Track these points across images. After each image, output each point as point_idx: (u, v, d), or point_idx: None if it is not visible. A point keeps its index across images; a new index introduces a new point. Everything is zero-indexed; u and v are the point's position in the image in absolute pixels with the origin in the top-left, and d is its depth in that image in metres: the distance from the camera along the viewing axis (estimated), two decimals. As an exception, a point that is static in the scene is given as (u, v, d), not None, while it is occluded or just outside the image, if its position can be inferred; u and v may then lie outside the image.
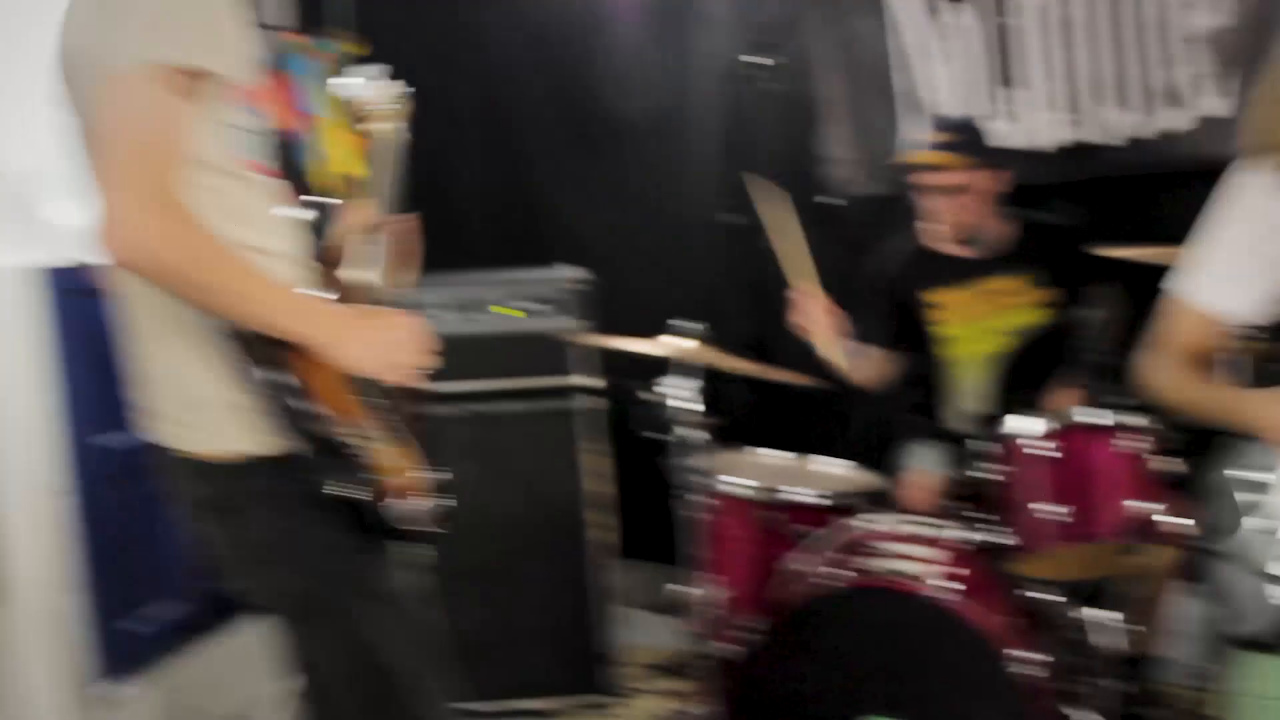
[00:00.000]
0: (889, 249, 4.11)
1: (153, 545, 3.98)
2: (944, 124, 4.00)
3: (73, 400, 3.64)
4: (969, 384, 3.98)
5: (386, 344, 2.16)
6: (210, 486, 2.11)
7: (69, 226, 3.23)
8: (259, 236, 2.13)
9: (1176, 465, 3.33)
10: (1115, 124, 4.14)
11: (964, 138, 3.89)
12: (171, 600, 4.03)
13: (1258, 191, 2.21)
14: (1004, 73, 4.31)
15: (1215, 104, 3.93)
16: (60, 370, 3.59)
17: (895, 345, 4.10)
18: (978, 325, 3.96)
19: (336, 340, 2.10)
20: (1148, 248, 3.29)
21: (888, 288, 4.09)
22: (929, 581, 3.20)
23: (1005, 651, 3.10)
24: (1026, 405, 3.80)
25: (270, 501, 2.11)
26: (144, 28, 1.92)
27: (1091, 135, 4.17)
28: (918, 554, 3.35)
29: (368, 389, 2.23)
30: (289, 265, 2.23)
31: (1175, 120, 4.02)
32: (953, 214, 3.87)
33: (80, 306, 3.53)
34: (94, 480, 3.70)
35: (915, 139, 3.99)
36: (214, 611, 4.17)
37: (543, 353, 4.17)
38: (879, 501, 3.79)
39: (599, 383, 4.27)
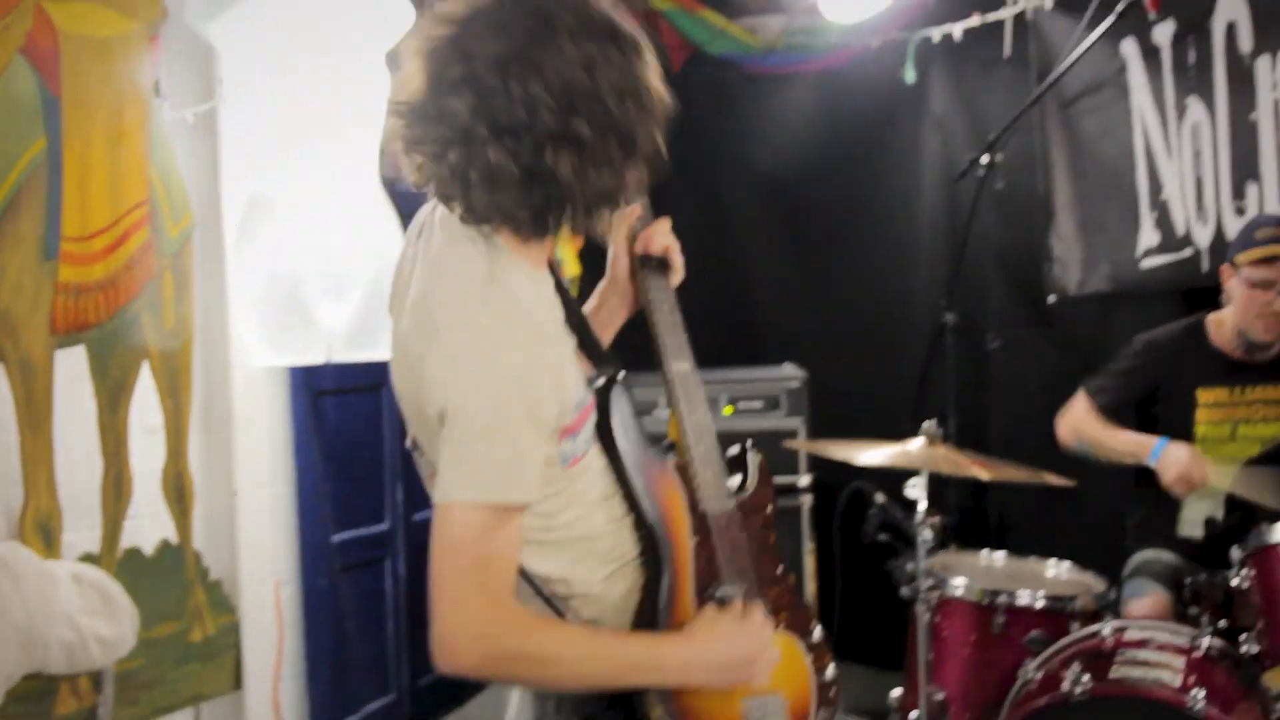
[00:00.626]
0: (1165, 331, 3.95)
1: (372, 640, 4.08)
2: (1273, 219, 3.86)
3: (310, 496, 3.77)
4: (1213, 489, 3.82)
5: (741, 660, 2.01)
6: None
7: (330, 327, 3.30)
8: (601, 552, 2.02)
9: None
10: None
11: None
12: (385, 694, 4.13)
13: None
14: (1245, 170, 4.20)
15: None
16: (302, 466, 3.71)
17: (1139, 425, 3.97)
18: (1234, 428, 3.82)
19: (692, 679, 1.98)
20: None
21: (1153, 367, 3.93)
22: (1174, 688, 3.06)
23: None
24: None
25: None
26: (477, 461, 1.80)
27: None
28: (1158, 660, 3.21)
29: None
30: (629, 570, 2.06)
31: None
32: (1269, 307, 3.73)
33: (327, 405, 3.66)
34: (325, 574, 3.82)
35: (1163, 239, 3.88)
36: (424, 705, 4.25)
37: (765, 452, 4.14)
38: (1108, 606, 3.66)
39: (820, 482, 4.24)
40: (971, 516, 4.53)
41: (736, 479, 2.30)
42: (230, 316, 3.11)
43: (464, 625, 1.80)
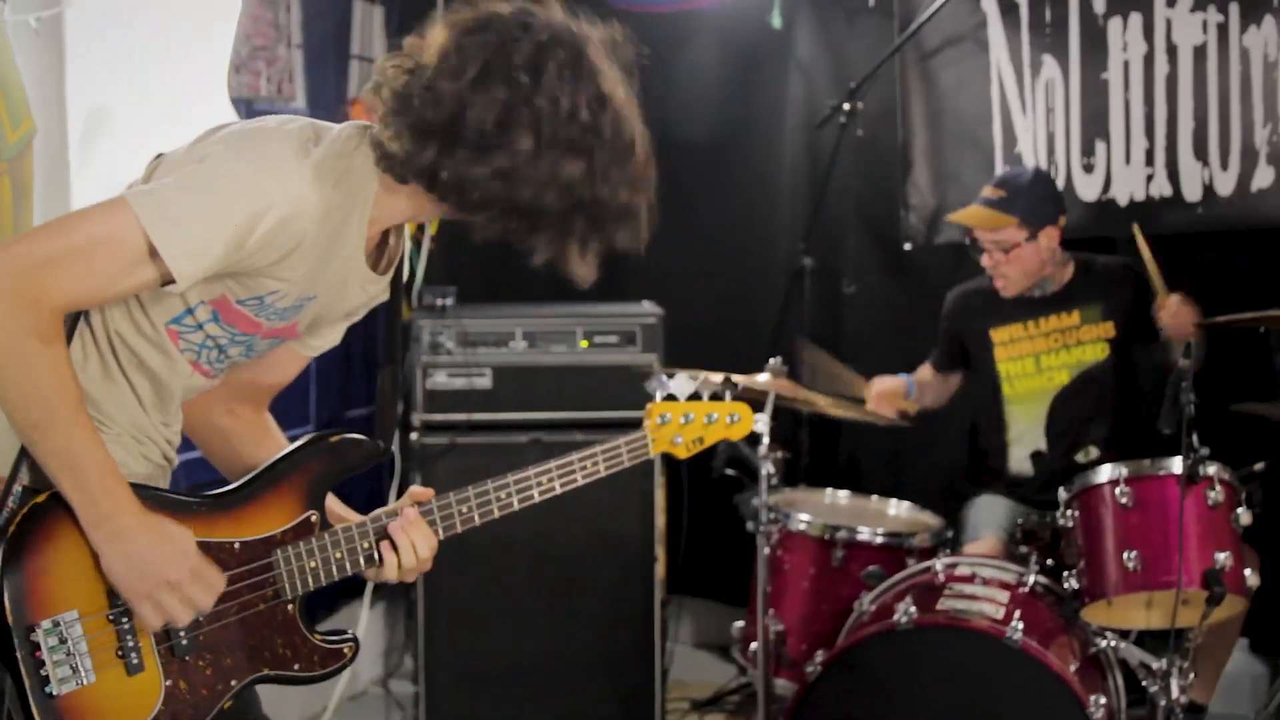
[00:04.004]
0: (959, 290, 4.15)
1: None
2: (1002, 180, 3.99)
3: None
4: (1026, 423, 3.98)
5: (151, 567, 1.86)
6: None
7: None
8: (140, 409, 2.00)
9: (1249, 516, 3.32)
10: (1199, 179, 4.13)
11: (1017, 195, 3.87)
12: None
13: None
14: (1096, 127, 4.32)
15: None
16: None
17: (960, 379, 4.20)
18: (1036, 361, 3.97)
19: (107, 536, 1.85)
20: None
21: (952, 325, 4.14)
22: (996, 619, 3.19)
23: (1070, 694, 3.07)
24: (1083, 443, 3.85)
25: None
26: (173, 190, 1.83)
27: (1168, 190, 4.17)
28: (983, 594, 3.34)
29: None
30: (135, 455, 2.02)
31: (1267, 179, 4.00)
32: (1005, 268, 3.88)
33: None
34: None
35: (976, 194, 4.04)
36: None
37: (618, 386, 4.20)
38: (944, 543, 3.79)
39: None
40: (823, 456, 4.63)
41: None
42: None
43: (29, 267, 1.75)
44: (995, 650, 3.10)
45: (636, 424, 4.10)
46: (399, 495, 4.40)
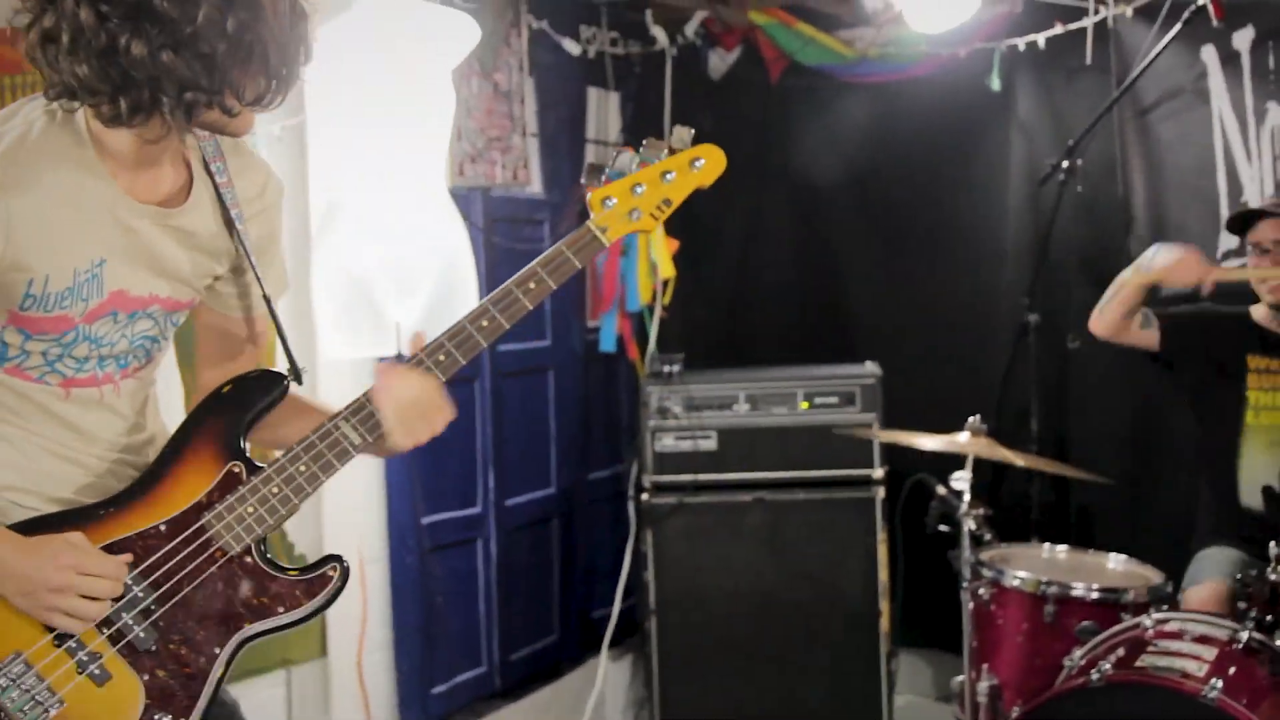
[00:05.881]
0: (1219, 310, 4.08)
1: (463, 615, 4.37)
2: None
3: (399, 480, 4.06)
4: (1263, 455, 3.89)
5: (32, 582, 1.88)
6: None
7: (401, 321, 3.59)
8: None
9: None
10: None
11: None
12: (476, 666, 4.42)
13: None
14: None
15: None
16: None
17: (1196, 403, 4.10)
18: None
19: None
20: None
21: (1205, 336, 4.06)
22: (1196, 678, 3.15)
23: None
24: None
25: None
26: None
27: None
28: (1188, 651, 3.29)
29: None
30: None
31: None
32: None
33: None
34: (413, 553, 4.11)
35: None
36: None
37: (839, 445, 4.35)
38: (1162, 600, 3.74)
39: (890, 474, 4.41)
40: (1053, 511, 4.63)
41: None
42: (314, 312, 3.41)
43: None
44: (1187, 707, 3.06)
45: (858, 483, 4.29)
46: (635, 549, 4.69)
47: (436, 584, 4.14)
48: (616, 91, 5.16)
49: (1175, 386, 4.18)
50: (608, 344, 4.88)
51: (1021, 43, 4.70)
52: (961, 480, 3.75)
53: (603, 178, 2.14)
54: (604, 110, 5.10)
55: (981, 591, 3.77)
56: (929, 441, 3.83)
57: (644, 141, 2.18)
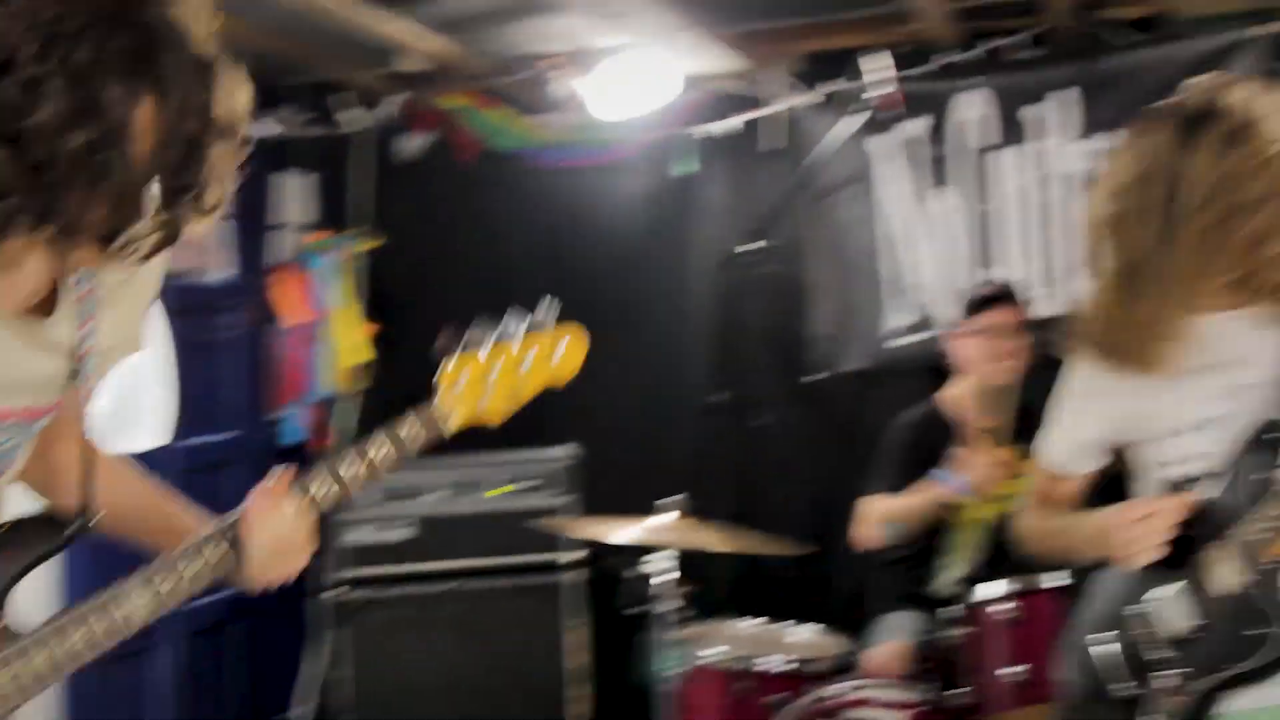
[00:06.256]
0: (910, 419, 4.20)
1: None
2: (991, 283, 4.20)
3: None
4: (963, 548, 4.06)
5: None
6: None
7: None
8: None
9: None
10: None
11: (1007, 289, 4.08)
12: None
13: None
14: (984, 253, 4.52)
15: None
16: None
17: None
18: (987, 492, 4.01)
19: None
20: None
21: (910, 454, 4.15)
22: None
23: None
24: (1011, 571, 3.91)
25: None
26: None
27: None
28: (874, 717, 3.40)
29: None
30: None
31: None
32: (1010, 355, 3.97)
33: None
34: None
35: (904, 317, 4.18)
36: None
37: (530, 530, 4.33)
38: (848, 667, 3.85)
39: (583, 558, 4.43)
40: (747, 582, 4.72)
41: None
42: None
43: None
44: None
45: (551, 568, 4.24)
46: (333, 646, 4.53)
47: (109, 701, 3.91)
48: (306, 174, 5.08)
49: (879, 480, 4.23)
50: (292, 435, 4.76)
51: (709, 130, 4.86)
52: (653, 561, 3.78)
53: (458, 350, 2.01)
54: (292, 194, 5.01)
55: (675, 671, 3.81)
56: (623, 533, 3.84)
57: (507, 315, 2.06)
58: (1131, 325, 2.23)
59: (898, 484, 4.10)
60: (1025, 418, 4.01)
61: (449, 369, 1.99)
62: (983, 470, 3.87)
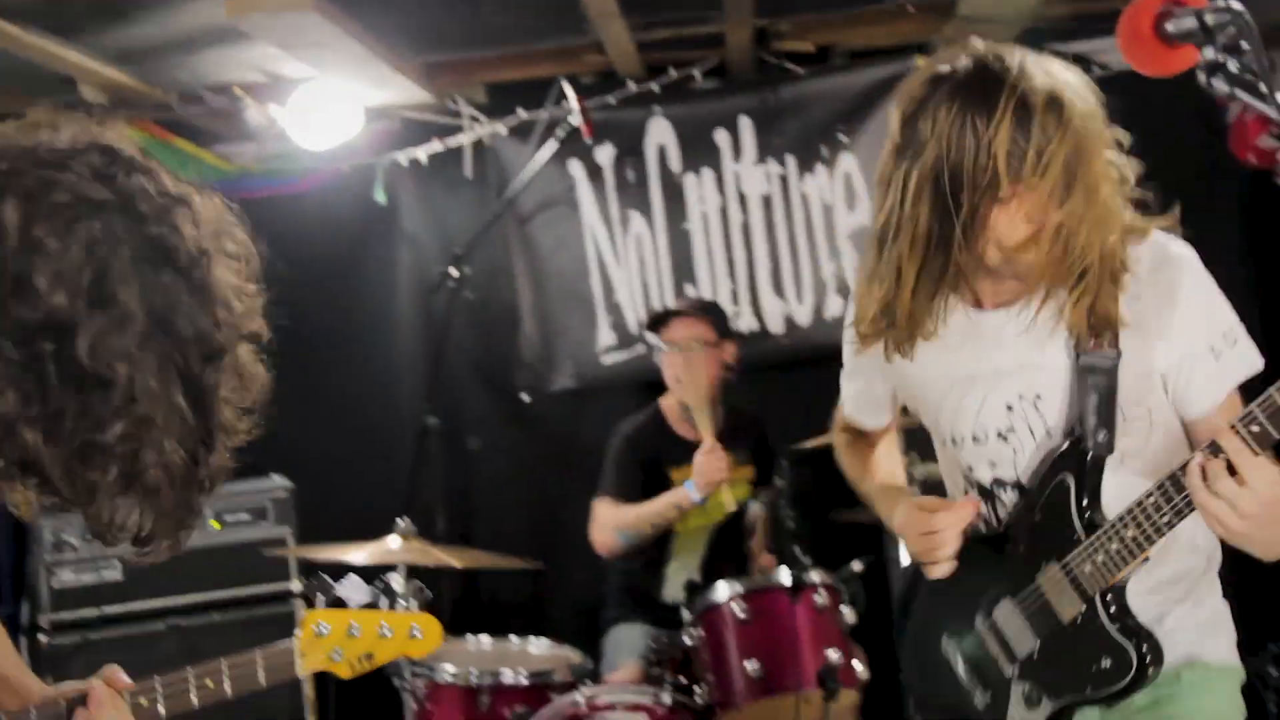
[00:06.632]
0: (631, 428, 4.29)
1: None
2: (690, 298, 4.40)
3: None
4: (687, 555, 4.21)
5: None
6: None
7: None
8: None
9: (853, 614, 3.63)
10: (780, 313, 4.59)
11: (705, 305, 4.28)
12: None
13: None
14: (684, 270, 4.74)
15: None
16: None
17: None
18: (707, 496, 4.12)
19: None
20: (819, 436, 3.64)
21: (630, 459, 4.25)
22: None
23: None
24: (734, 573, 4.09)
25: None
26: None
27: (755, 325, 4.62)
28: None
29: None
30: None
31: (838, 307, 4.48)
32: (702, 370, 4.09)
33: None
34: None
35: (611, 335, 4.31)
36: None
37: (256, 562, 4.22)
38: (586, 675, 3.94)
39: (305, 587, 4.34)
40: (466, 605, 4.75)
41: None
42: None
43: None
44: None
45: (275, 598, 4.15)
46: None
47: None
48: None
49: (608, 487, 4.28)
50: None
51: (402, 158, 4.88)
52: (394, 582, 3.76)
53: (328, 597, 2.09)
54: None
55: (418, 691, 3.79)
56: (357, 554, 3.80)
57: (377, 580, 2.18)
58: (901, 307, 2.10)
59: (626, 489, 4.22)
60: (735, 424, 4.24)
61: (313, 612, 2.09)
62: (701, 476, 4.03)
